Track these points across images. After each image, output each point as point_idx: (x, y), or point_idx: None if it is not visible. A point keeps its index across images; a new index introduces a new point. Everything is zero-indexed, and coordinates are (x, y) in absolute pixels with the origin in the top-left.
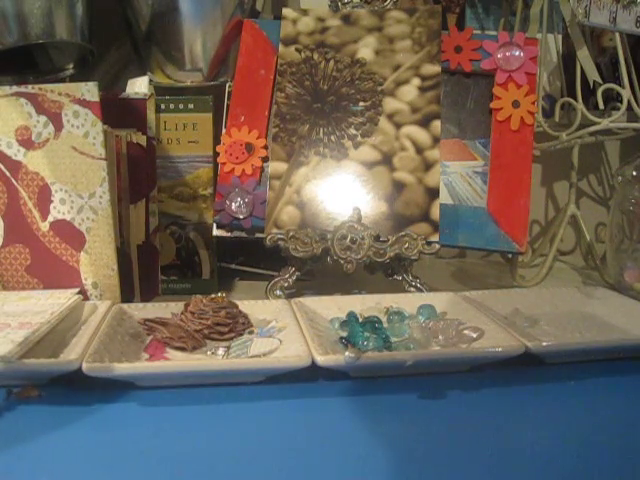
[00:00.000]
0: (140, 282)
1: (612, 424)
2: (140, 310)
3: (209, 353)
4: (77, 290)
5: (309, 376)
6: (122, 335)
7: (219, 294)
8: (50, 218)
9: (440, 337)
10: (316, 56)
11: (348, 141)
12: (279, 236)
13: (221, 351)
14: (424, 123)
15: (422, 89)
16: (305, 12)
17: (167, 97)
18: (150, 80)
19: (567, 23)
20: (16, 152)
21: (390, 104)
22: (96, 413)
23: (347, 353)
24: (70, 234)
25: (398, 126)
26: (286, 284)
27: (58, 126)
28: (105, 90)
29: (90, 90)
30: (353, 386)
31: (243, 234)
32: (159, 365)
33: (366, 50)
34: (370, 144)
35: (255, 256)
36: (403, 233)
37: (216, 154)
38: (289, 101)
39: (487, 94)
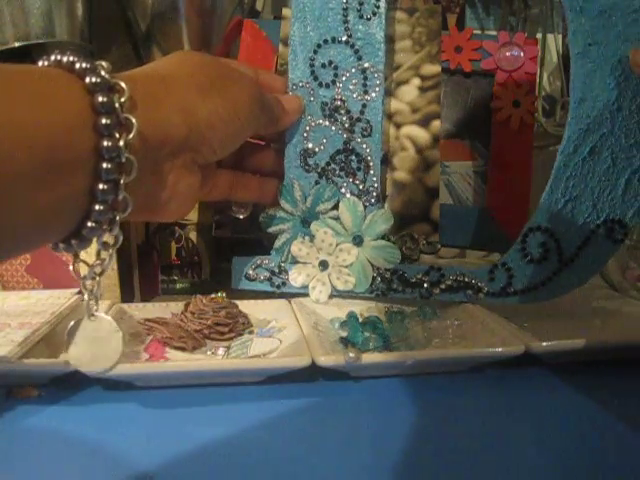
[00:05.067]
0: (140, 282)
1: (612, 424)
2: (140, 310)
3: (209, 353)
4: (77, 290)
5: (309, 376)
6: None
7: (219, 294)
8: None
9: (440, 337)
10: None
11: None
12: None
13: (221, 351)
14: (424, 123)
15: (422, 89)
16: None
17: None
18: None
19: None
20: None
21: (390, 104)
22: (96, 413)
23: (347, 353)
24: None
25: (398, 126)
26: None
27: None
28: None
29: None
30: (353, 386)
31: (243, 234)
32: (159, 365)
33: None
34: None
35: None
36: (403, 233)
37: None
38: None
39: (487, 94)
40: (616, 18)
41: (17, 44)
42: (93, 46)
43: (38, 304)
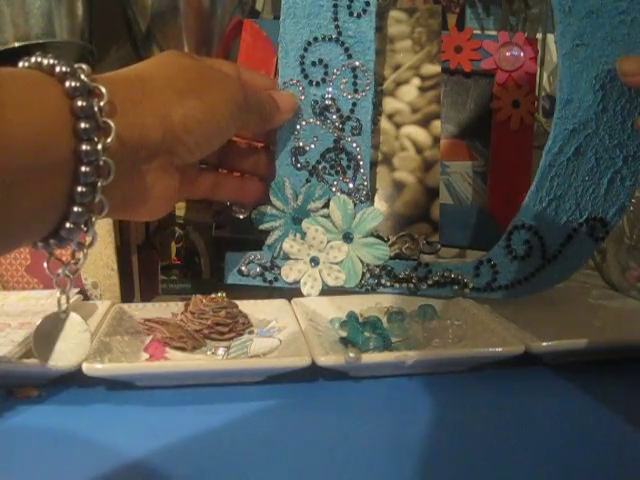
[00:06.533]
0: (140, 282)
1: (613, 424)
2: (140, 310)
3: (209, 353)
4: (77, 290)
5: (309, 376)
6: (122, 335)
7: (219, 294)
8: None
9: (440, 337)
10: None
11: None
12: None
13: (221, 351)
14: (424, 123)
15: (422, 89)
16: None
17: None
18: None
19: None
20: None
21: (390, 104)
22: (96, 413)
23: (347, 353)
24: None
25: (398, 126)
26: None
27: None
28: None
29: None
30: (353, 386)
31: (243, 234)
32: (159, 365)
33: None
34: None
35: None
36: (403, 233)
37: None
38: None
39: (487, 94)
40: (603, 19)
41: (17, 44)
42: (93, 46)
43: (38, 304)
